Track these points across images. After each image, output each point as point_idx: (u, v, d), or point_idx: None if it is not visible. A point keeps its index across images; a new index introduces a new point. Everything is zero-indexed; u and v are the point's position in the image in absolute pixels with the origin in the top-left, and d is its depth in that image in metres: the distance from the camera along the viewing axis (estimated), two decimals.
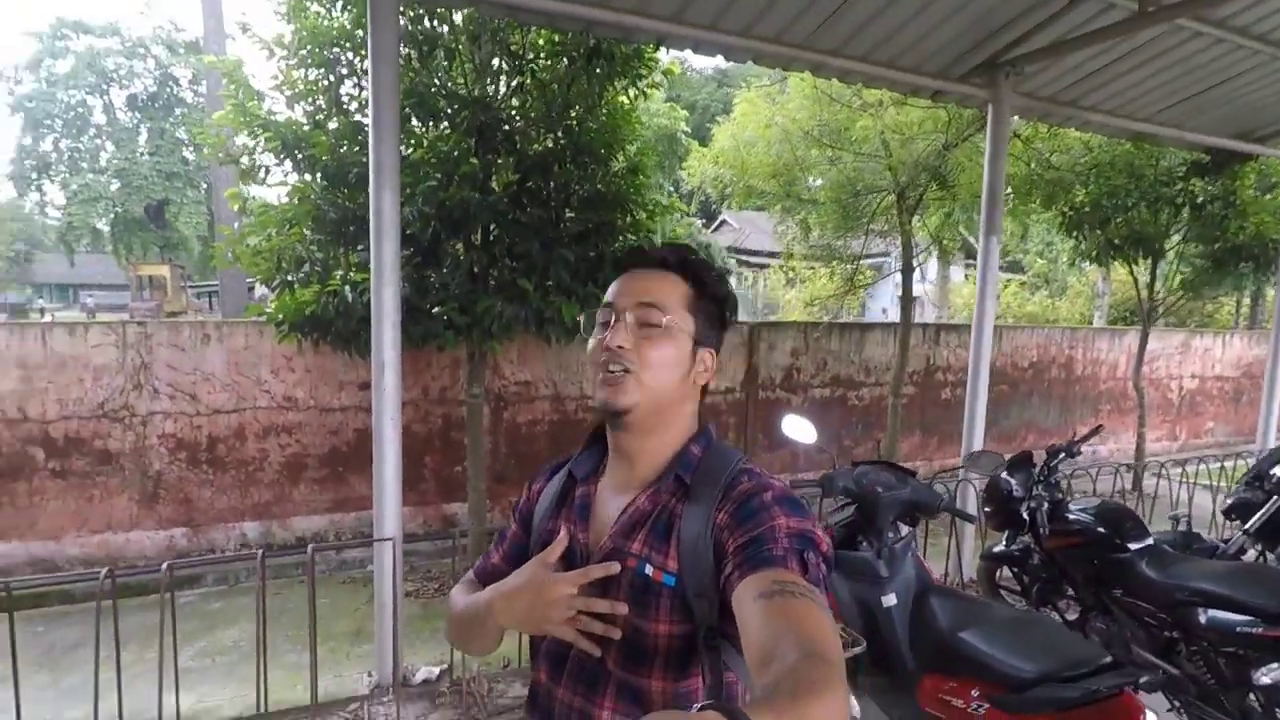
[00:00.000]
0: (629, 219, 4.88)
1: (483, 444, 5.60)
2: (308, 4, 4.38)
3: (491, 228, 4.43)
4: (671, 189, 15.05)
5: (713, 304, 1.08)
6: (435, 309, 4.24)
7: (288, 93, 4.55)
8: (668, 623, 0.97)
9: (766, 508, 0.94)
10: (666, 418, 1.05)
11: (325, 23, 4.36)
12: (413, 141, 4.42)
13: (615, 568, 0.97)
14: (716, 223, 25.90)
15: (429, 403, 6.20)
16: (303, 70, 4.48)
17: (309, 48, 4.31)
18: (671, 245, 1.10)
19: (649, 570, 0.98)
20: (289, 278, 4.37)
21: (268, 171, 4.51)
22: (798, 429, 2.67)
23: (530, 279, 4.28)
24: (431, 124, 4.52)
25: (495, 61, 4.68)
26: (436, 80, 4.49)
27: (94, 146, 24.57)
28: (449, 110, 4.41)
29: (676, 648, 0.97)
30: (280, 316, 4.38)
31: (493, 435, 6.37)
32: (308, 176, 4.41)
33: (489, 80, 4.65)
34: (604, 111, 4.84)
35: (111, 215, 23.95)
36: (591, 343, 1.06)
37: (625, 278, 1.08)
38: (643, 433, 1.05)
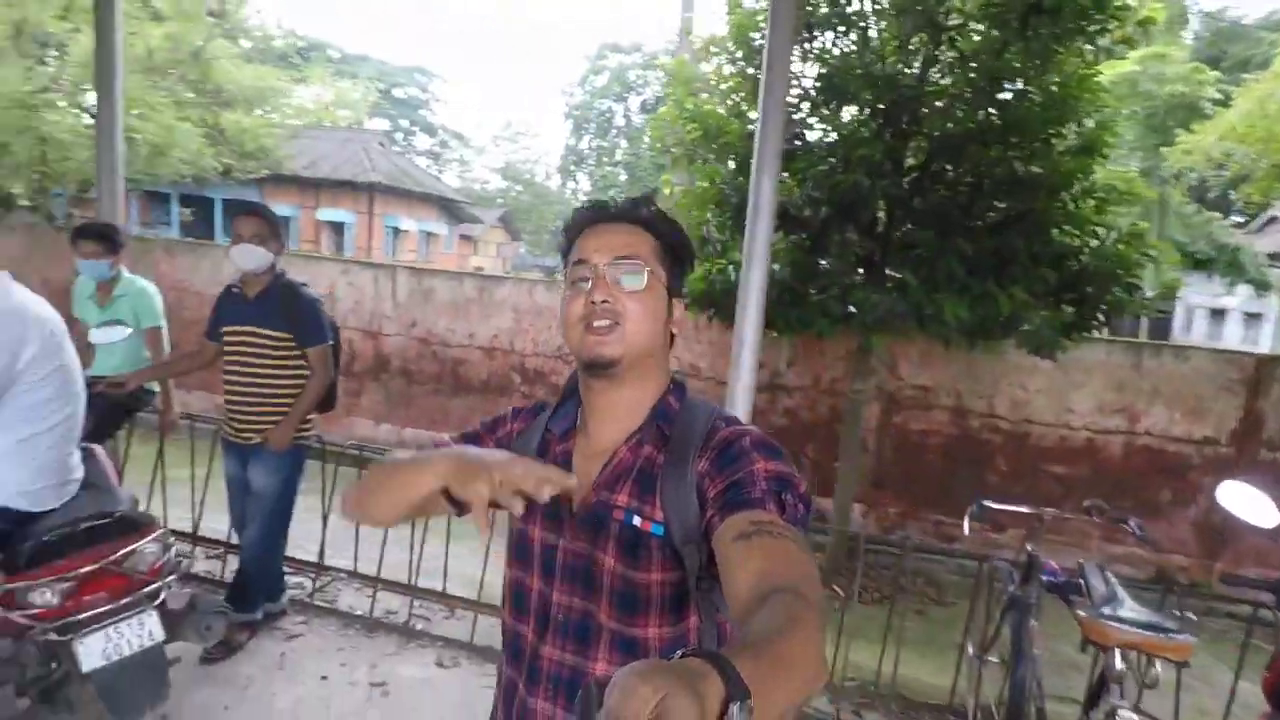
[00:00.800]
0: (1069, 207, 4.09)
1: (859, 443, 5.40)
2: (737, 2, 4.67)
3: (884, 214, 4.17)
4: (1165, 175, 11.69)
5: (676, 253, 1.08)
6: (815, 295, 4.20)
7: (723, 87, 4.96)
8: (660, 571, 0.98)
9: (745, 452, 0.95)
10: (648, 367, 1.06)
11: (751, 17, 4.61)
12: (820, 125, 4.41)
13: (572, 480, 0.89)
14: (1262, 220, 19.68)
15: (818, 391, 6.20)
16: (730, 65, 4.82)
17: (734, 41, 4.61)
18: (630, 199, 1.09)
19: (637, 521, 0.99)
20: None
21: (692, 160, 5.01)
22: (1248, 503, 2.04)
23: (917, 270, 3.92)
24: (839, 106, 4.44)
25: (917, 37, 4.34)
26: (855, 59, 4.38)
27: (613, 145, 30.40)
28: (859, 91, 4.26)
29: (669, 595, 0.98)
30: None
31: (878, 437, 6.09)
32: (723, 163, 4.75)
33: (909, 56, 4.34)
34: (1052, 80, 4.10)
35: (620, 198, 29.59)
36: (572, 302, 1.04)
37: (591, 233, 1.06)
38: (626, 383, 1.05)
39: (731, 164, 4.69)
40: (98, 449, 2.89)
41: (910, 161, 4.05)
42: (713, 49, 4.87)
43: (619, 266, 1.02)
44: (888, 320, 3.99)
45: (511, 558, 1.12)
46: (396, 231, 22.78)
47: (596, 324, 1.01)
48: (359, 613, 3.59)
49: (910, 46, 4.36)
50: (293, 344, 3.10)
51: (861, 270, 4.41)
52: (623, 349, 1.01)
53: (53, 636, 2.12)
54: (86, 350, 3.70)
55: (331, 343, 3.23)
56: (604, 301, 1.00)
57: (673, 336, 1.10)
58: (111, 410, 3.60)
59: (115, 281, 3.66)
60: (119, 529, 2.22)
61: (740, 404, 3.51)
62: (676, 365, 6.13)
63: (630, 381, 1.05)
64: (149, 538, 2.27)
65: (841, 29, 4.40)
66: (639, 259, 1.02)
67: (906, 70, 4.35)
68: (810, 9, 4.38)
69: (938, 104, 4.25)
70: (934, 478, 5.97)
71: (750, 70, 4.67)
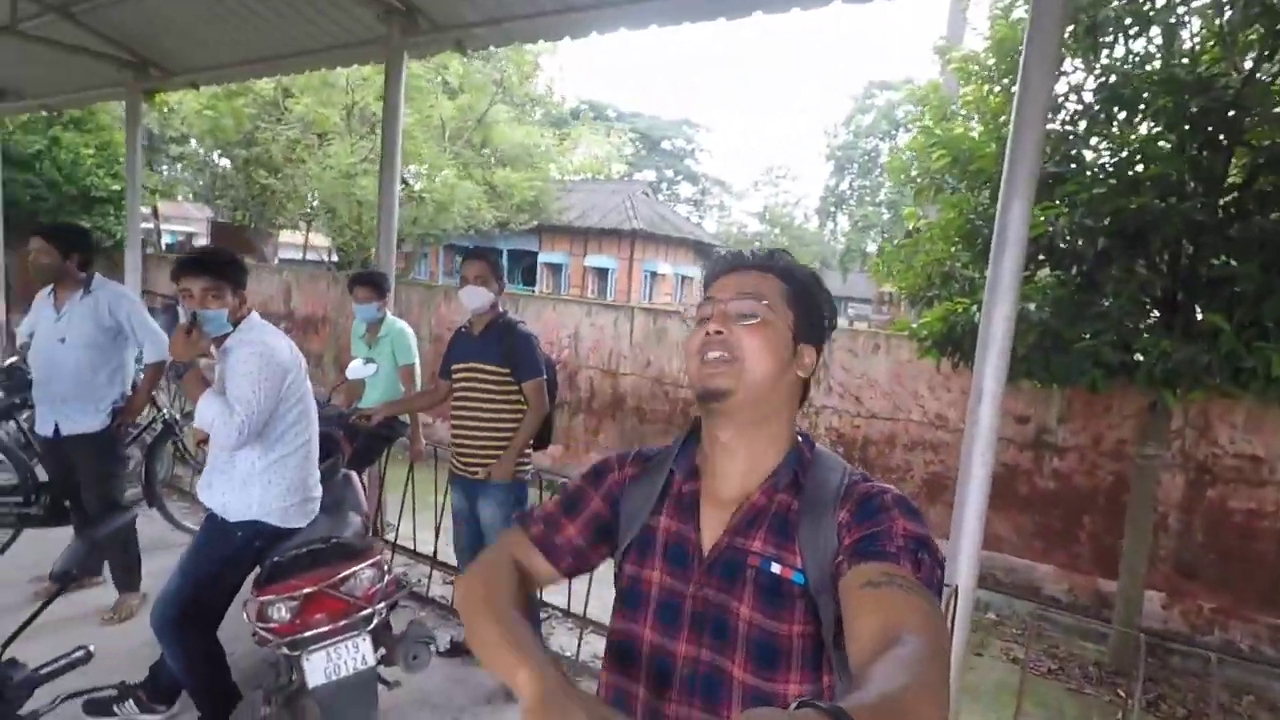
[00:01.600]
0: None
1: (1153, 519, 4.36)
2: (1002, 15, 4.14)
3: (1185, 244, 3.35)
4: None
5: (809, 301, 1.05)
6: (1086, 340, 3.49)
7: (980, 110, 4.44)
8: (800, 622, 0.95)
9: (887, 509, 0.93)
10: (766, 410, 1.02)
11: (1015, 28, 4.05)
12: (1101, 143, 3.70)
13: None
14: None
15: (1098, 453, 5.18)
16: (990, 83, 4.29)
17: (994, 59, 4.09)
18: (767, 249, 1.11)
19: (776, 569, 0.96)
20: (935, 293, 4.30)
21: (939, 190, 4.52)
22: None
23: (1229, 313, 3.06)
24: (1128, 118, 3.69)
25: (1253, 29, 3.46)
26: (1154, 63, 3.63)
27: (876, 184, 29.20)
28: (1156, 99, 3.51)
29: (808, 648, 0.95)
30: (924, 332, 4.37)
31: (1184, 514, 4.88)
32: (974, 192, 4.22)
33: (1234, 54, 3.47)
34: None
35: (880, 240, 28.21)
36: (693, 336, 1.03)
37: (723, 278, 1.06)
38: (742, 424, 1.01)
39: (985, 194, 4.13)
40: (353, 475, 3.23)
41: (1232, 179, 3.20)
42: (972, 67, 4.37)
43: (739, 302, 1.01)
44: (1184, 373, 3.15)
45: (620, 607, 1.07)
46: (654, 275, 24.03)
47: (710, 355, 1.00)
48: (567, 654, 3.57)
49: (1238, 41, 3.50)
50: (511, 379, 3.19)
51: (1156, 312, 3.58)
52: (735, 382, 0.98)
53: (285, 651, 2.36)
54: (356, 385, 4.27)
55: (546, 377, 3.28)
56: (719, 332, 1.00)
57: (806, 387, 1.07)
58: (370, 440, 4.08)
59: (380, 323, 4.17)
60: (340, 554, 2.43)
61: (976, 462, 2.98)
62: (921, 414, 5.49)
63: (747, 422, 1.01)
64: (365, 564, 2.47)
65: (1135, 29, 3.68)
66: (758, 297, 1.02)
67: (1231, 72, 3.48)
68: (1091, 10, 3.73)
69: (1275, 110, 3.33)
70: (1266, 570, 4.62)
71: (1015, 89, 4.11)
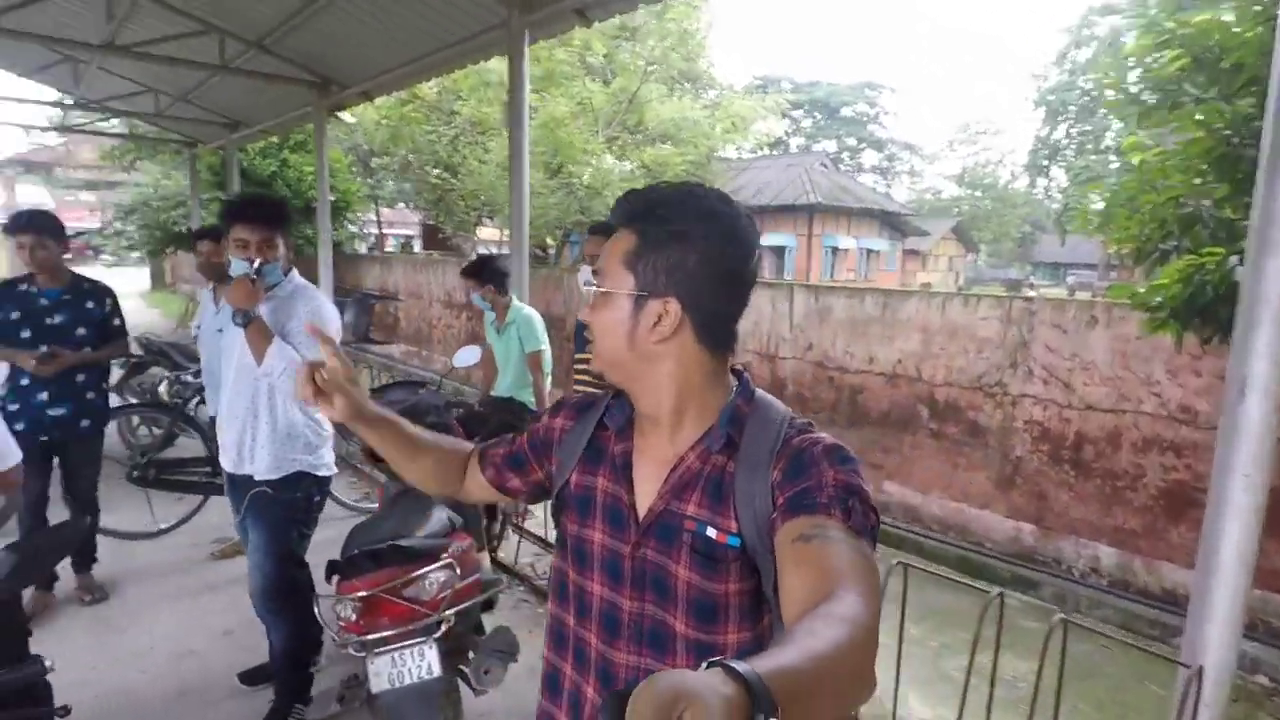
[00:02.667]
0: None
1: None
2: None
3: None
4: None
5: (661, 249, 0.95)
6: None
7: None
8: (737, 581, 0.96)
9: (816, 461, 0.92)
10: (651, 380, 1.00)
11: None
12: None
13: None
14: None
15: None
16: None
17: None
18: (621, 198, 1.02)
19: (711, 533, 0.96)
20: (1172, 244, 3.27)
21: (1174, 106, 3.43)
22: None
23: None
24: None
25: None
26: None
27: (1101, 126, 25.19)
28: None
29: (747, 602, 0.96)
30: (1156, 298, 3.35)
31: None
32: (1226, 103, 3.12)
33: None
34: None
35: (1107, 195, 24.36)
36: None
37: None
38: (640, 396, 1.02)
39: (1246, 101, 3.03)
40: None
41: None
42: None
43: (595, 279, 1.01)
44: None
45: (569, 558, 1.09)
46: (835, 251, 22.63)
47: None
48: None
49: None
50: None
51: None
52: (600, 363, 1.02)
53: (352, 651, 2.22)
54: (490, 370, 4.19)
55: None
56: (586, 322, 1.04)
57: (723, 335, 0.99)
58: (497, 428, 3.98)
59: (507, 309, 4.03)
60: (403, 556, 2.22)
61: (1237, 479, 2.10)
62: (1157, 405, 4.36)
63: (645, 392, 1.01)
64: (432, 566, 2.23)
65: None
66: (599, 272, 1.00)
67: None
68: None
69: None
70: None
71: None
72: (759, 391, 1.03)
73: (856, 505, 0.87)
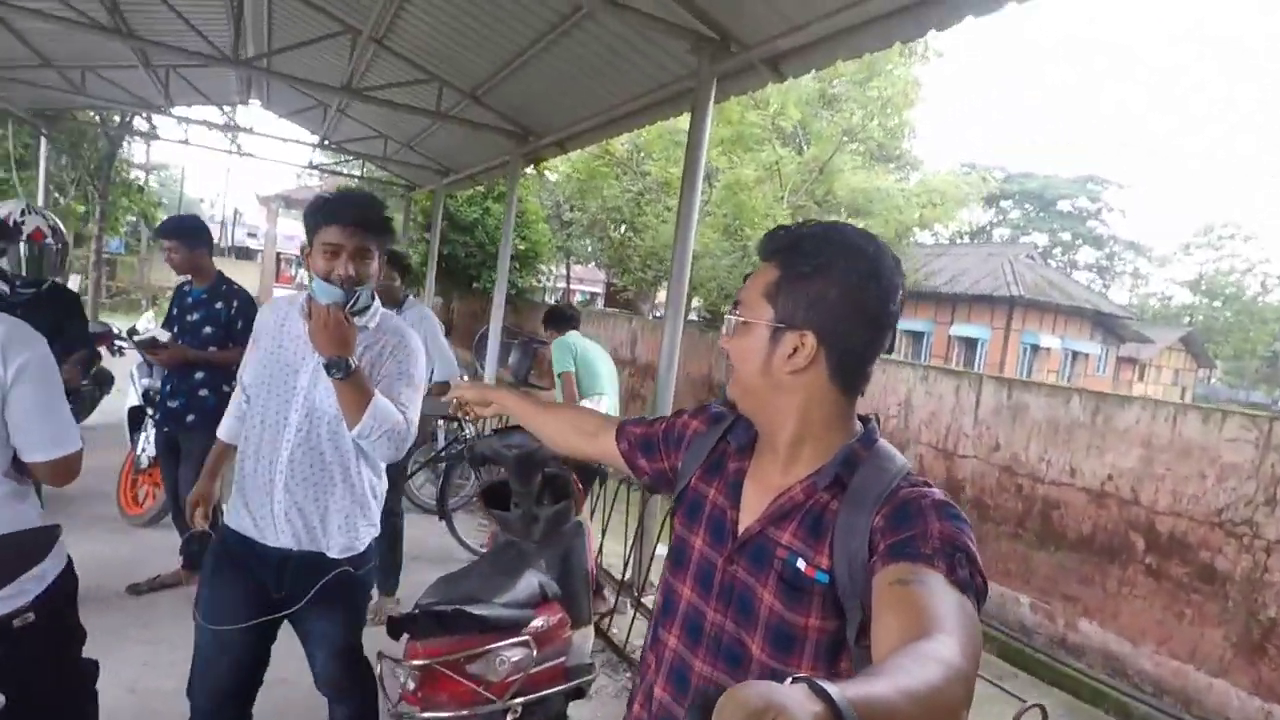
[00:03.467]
0: None
1: None
2: None
3: None
4: None
5: (802, 283, 0.98)
6: None
7: None
8: (819, 618, 0.96)
9: (923, 512, 0.92)
10: (779, 413, 1.03)
11: None
12: None
13: None
14: None
15: None
16: None
17: None
18: (772, 233, 1.05)
19: (800, 565, 0.97)
20: None
21: None
22: None
23: None
24: None
25: None
26: None
27: None
28: None
29: (825, 641, 0.96)
30: None
31: None
32: None
33: None
34: None
35: None
36: None
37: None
38: (764, 425, 1.06)
39: None
40: (587, 524, 2.87)
41: None
42: None
43: (729, 318, 1.06)
44: None
45: (669, 561, 1.14)
46: (1034, 350, 20.52)
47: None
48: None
49: None
50: None
51: None
52: (737, 391, 1.05)
53: None
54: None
55: None
56: (726, 350, 1.07)
57: (853, 375, 1.01)
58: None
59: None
60: (472, 624, 1.94)
61: None
62: None
63: (770, 423, 1.04)
64: (504, 643, 1.95)
65: None
66: (741, 303, 1.04)
67: None
68: None
69: None
70: None
71: None
72: (882, 441, 1.03)
73: (962, 560, 0.85)
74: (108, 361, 6.79)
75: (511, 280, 15.02)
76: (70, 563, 1.80)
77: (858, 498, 0.96)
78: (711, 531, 1.07)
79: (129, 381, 5.27)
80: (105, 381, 6.42)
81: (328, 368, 1.71)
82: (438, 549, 4.67)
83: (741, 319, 1.02)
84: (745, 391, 1.04)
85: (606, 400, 4.56)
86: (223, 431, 2.04)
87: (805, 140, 10.61)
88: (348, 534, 1.90)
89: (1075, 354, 21.74)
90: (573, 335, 4.73)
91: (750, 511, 1.05)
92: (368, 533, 1.96)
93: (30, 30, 6.73)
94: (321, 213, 1.78)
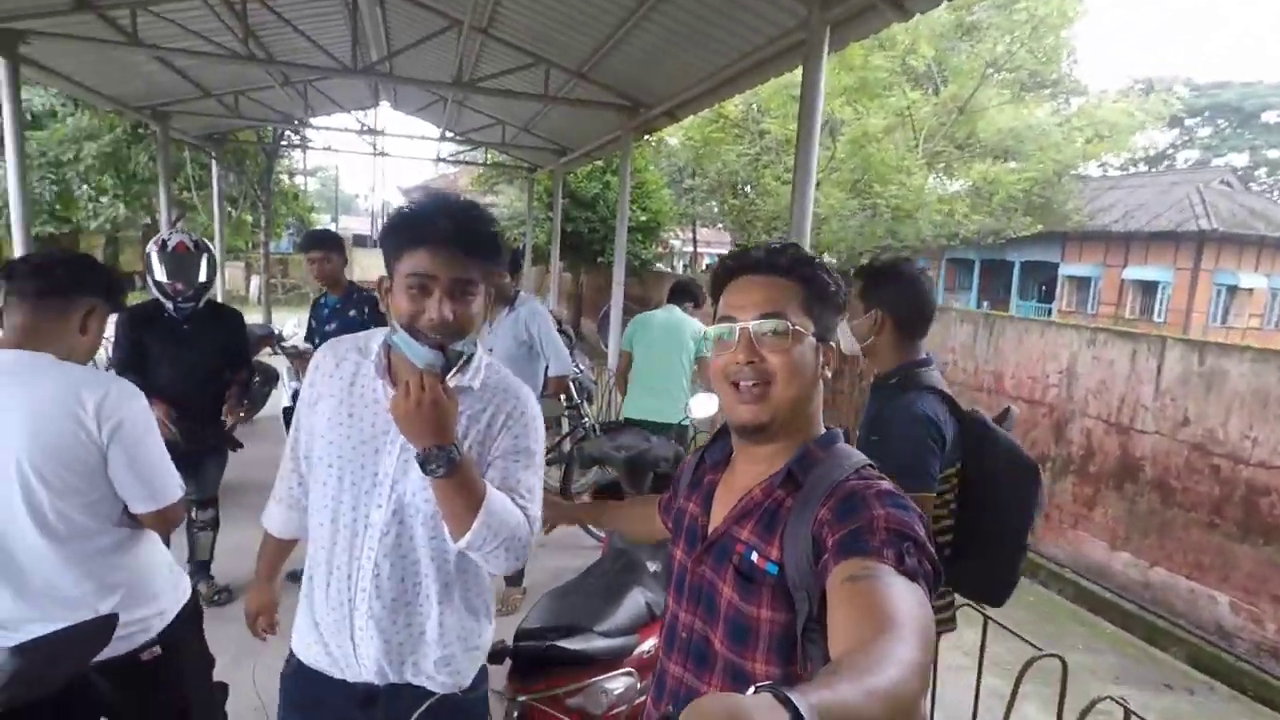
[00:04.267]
0: None
1: None
2: None
3: None
4: None
5: (825, 299, 1.07)
6: None
7: None
8: (770, 609, 0.99)
9: (867, 502, 0.94)
10: (799, 421, 1.07)
11: None
12: None
13: None
14: None
15: None
16: None
17: None
18: (773, 248, 1.08)
19: (754, 558, 1.01)
20: None
21: None
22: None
23: None
24: None
25: None
26: None
27: None
28: None
29: (778, 634, 0.99)
30: None
31: None
32: None
33: None
34: None
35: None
36: (718, 357, 1.07)
37: (735, 287, 1.08)
38: (777, 439, 1.07)
39: None
40: None
41: None
42: None
43: (764, 324, 1.03)
44: None
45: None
46: (1231, 291, 17.82)
47: (742, 383, 1.04)
48: None
49: None
50: None
51: None
52: (771, 413, 1.04)
53: None
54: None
55: None
56: (749, 363, 1.03)
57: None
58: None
59: None
60: (574, 657, 1.83)
61: None
62: None
63: (783, 436, 1.07)
64: (607, 676, 1.83)
65: None
66: (783, 312, 1.03)
67: None
68: None
69: None
70: None
71: None
72: (841, 444, 1.08)
73: (910, 549, 0.87)
74: (271, 359, 7.42)
75: (634, 252, 14.98)
76: (195, 595, 1.88)
77: (808, 493, 1.00)
78: (687, 540, 1.15)
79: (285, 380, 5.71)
80: (272, 378, 7.04)
81: (423, 463, 1.19)
82: (562, 534, 4.70)
83: (796, 326, 1.03)
84: (797, 399, 1.05)
85: (647, 391, 4.39)
86: (272, 524, 1.57)
87: (942, 79, 9.55)
88: (449, 669, 1.40)
89: None
90: (654, 314, 4.60)
91: (718, 516, 1.11)
92: (476, 662, 1.46)
93: (188, 67, 7.41)
94: (402, 231, 1.24)
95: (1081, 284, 20.17)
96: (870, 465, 1.03)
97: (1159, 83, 30.59)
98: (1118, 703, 1.68)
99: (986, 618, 2.07)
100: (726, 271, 1.10)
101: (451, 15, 6.21)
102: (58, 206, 14.25)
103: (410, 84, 7.86)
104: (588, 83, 6.85)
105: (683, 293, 4.75)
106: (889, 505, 0.92)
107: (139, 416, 1.60)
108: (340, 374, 1.38)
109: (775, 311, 1.03)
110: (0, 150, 5.96)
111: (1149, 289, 18.26)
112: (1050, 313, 20.53)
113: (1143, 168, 18.59)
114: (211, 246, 3.29)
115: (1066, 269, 20.24)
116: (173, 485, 1.68)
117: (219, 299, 4.16)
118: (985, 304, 21.85)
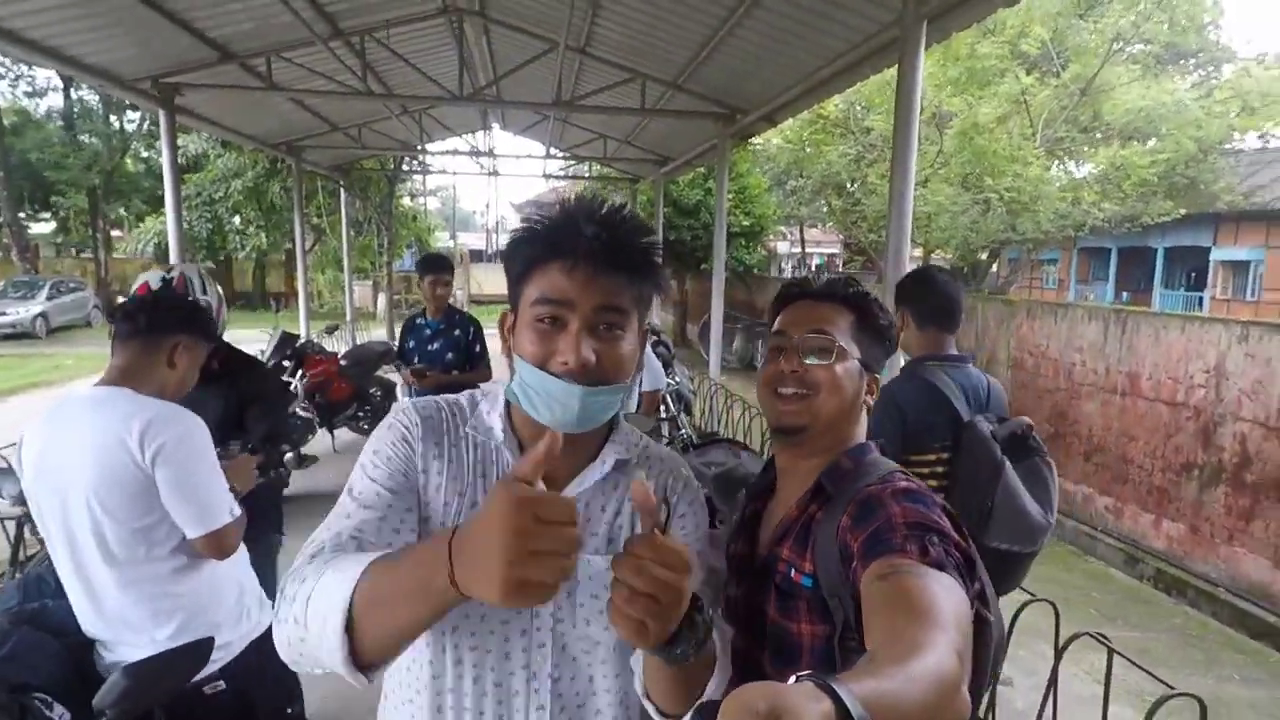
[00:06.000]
0: None
1: None
2: None
3: None
4: None
5: (875, 331, 1.12)
6: None
7: None
8: (809, 622, 0.98)
9: (883, 503, 0.94)
10: (837, 437, 1.09)
11: None
12: None
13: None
14: None
15: None
16: None
17: None
18: (833, 279, 1.14)
19: (792, 573, 1.02)
20: None
21: None
22: None
23: None
24: None
25: None
26: None
27: None
28: None
29: (820, 648, 0.98)
30: None
31: None
32: None
33: None
34: None
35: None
36: (766, 368, 1.12)
37: (792, 308, 1.13)
38: (813, 452, 1.09)
39: None
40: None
41: None
42: None
43: (811, 340, 1.07)
44: None
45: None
46: None
47: (783, 390, 1.08)
48: None
49: None
50: None
51: None
52: (809, 418, 1.06)
53: None
54: None
55: None
56: (794, 371, 1.07)
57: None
58: None
59: None
60: None
61: None
62: None
63: (819, 450, 1.09)
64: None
65: None
66: (831, 334, 1.08)
67: None
68: None
69: None
70: None
71: None
72: (873, 455, 1.09)
73: (933, 539, 0.87)
74: (391, 373, 7.90)
75: (738, 257, 14.87)
76: (268, 630, 1.45)
77: (836, 503, 1.01)
78: (736, 575, 1.13)
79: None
80: (391, 392, 7.53)
81: (667, 651, 0.76)
82: None
83: (838, 350, 1.07)
84: (836, 416, 1.07)
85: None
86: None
87: (1062, 61, 8.87)
88: None
89: None
90: None
91: (764, 542, 1.12)
92: None
93: (317, 105, 8.09)
94: (528, 245, 0.92)
95: (1239, 269, 18.15)
96: (899, 472, 1.04)
97: None
98: None
99: (1110, 649, 1.91)
100: (786, 297, 1.16)
101: (550, 38, 6.44)
102: (215, 239, 15.87)
103: (515, 106, 8.22)
104: (684, 93, 6.91)
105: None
106: (905, 501, 0.94)
107: (185, 439, 1.60)
108: (454, 457, 0.98)
109: (823, 329, 1.09)
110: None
111: None
112: (1201, 302, 18.65)
113: None
114: (198, 282, 2.33)
115: (1220, 253, 18.27)
116: (222, 509, 1.64)
117: (346, 318, 4.45)
118: (1125, 295, 20.13)
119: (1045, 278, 22.67)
